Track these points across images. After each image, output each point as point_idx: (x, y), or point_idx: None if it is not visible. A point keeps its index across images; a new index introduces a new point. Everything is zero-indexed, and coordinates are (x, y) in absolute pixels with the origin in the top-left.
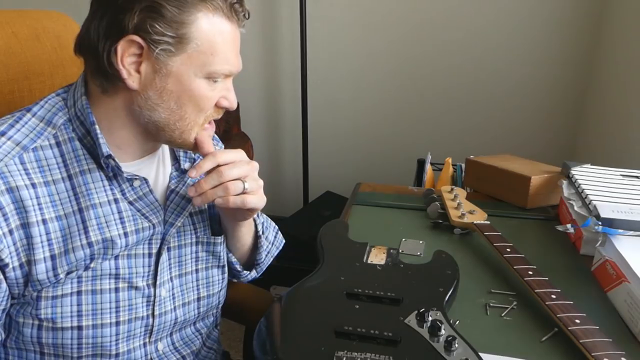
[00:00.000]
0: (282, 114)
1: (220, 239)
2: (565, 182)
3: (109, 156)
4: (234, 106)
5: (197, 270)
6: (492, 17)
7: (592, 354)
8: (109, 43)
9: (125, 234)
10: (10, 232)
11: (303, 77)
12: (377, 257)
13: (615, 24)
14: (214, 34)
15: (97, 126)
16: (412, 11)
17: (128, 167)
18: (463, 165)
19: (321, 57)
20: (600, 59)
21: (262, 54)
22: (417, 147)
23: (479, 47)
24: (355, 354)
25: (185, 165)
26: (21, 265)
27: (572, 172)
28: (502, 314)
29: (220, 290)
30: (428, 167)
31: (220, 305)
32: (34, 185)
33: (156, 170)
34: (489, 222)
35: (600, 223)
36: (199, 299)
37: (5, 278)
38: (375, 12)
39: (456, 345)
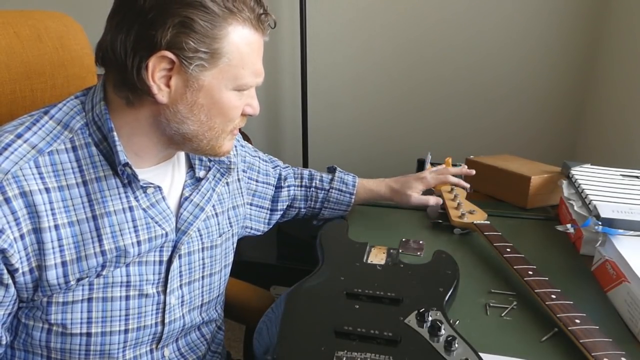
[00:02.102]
0: (282, 114)
1: (220, 240)
2: (565, 182)
3: (126, 164)
4: (257, 112)
5: (203, 277)
6: (492, 17)
7: (592, 354)
8: (138, 58)
9: (139, 243)
10: (22, 236)
11: (303, 77)
12: (377, 257)
13: (615, 24)
14: (244, 46)
15: (115, 133)
16: (412, 11)
17: (144, 173)
18: None
19: (321, 57)
20: (600, 58)
21: (262, 54)
22: (417, 147)
23: (479, 47)
24: (355, 354)
25: (200, 173)
26: (31, 271)
27: (572, 172)
28: (502, 314)
29: (219, 295)
30: (428, 167)
31: (221, 309)
32: (47, 190)
33: (171, 176)
34: (489, 222)
35: (600, 223)
36: (202, 305)
37: (15, 282)
38: (376, 12)
39: (456, 345)
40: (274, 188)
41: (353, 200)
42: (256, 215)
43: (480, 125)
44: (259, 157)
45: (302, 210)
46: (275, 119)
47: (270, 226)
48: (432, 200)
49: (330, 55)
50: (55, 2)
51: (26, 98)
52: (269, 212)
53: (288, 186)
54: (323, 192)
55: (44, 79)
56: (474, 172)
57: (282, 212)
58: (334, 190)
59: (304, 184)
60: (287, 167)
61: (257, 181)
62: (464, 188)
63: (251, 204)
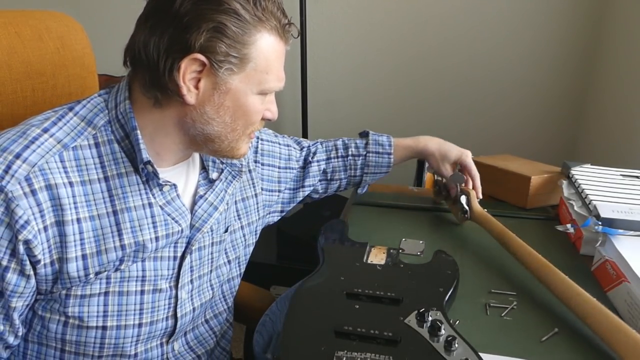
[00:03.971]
0: (282, 113)
1: (226, 234)
2: (565, 182)
3: (148, 162)
4: (276, 117)
5: (210, 271)
6: (492, 16)
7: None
8: (170, 60)
9: (157, 238)
10: (45, 228)
11: (303, 76)
12: (377, 257)
13: (617, 21)
14: (270, 53)
15: (138, 131)
16: (411, 10)
17: (162, 172)
18: None
19: (321, 57)
20: (601, 57)
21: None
22: None
23: (479, 46)
24: (355, 354)
25: (213, 175)
26: (52, 263)
27: (572, 172)
28: (502, 314)
29: (227, 287)
30: (428, 167)
31: (231, 301)
32: (71, 184)
33: (186, 176)
34: None
35: (600, 223)
36: (211, 298)
37: (35, 274)
38: (375, 11)
39: (456, 345)
40: (300, 169)
41: (392, 160)
42: (288, 198)
43: (480, 125)
44: (279, 143)
45: (344, 181)
46: (275, 120)
47: (298, 202)
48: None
49: (330, 55)
50: (56, 2)
51: (27, 98)
52: (299, 190)
53: (318, 161)
54: (361, 158)
55: (45, 78)
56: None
57: (311, 187)
58: (371, 154)
59: (339, 154)
60: (316, 142)
61: (279, 167)
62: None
63: (279, 191)
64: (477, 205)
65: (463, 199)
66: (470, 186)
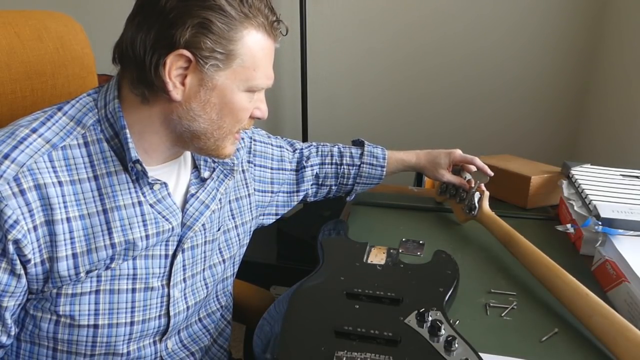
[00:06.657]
0: (282, 111)
1: (219, 234)
2: (565, 182)
3: (137, 161)
4: (266, 116)
5: (204, 270)
6: (492, 14)
7: None
8: (156, 56)
9: (147, 236)
10: (35, 228)
11: (303, 75)
12: (377, 257)
13: (618, 18)
14: (257, 50)
15: (127, 130)
16: (411, 8)
17: (152, 170)
18: None
19: (321, 56)
20: (601, 55)
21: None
22: (417, 146)
23: (479, 44)
24: (355, 354)
25: (205, 174)
26: (42, 262)
27: (572, 172)
28: (502, 314)
29: (220, 286)
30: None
31: (226, 300)
32: (60, 184)
33: (177, 175)
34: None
35: (600, 223)
36: (205, 297)
37: (26, 274)
38: (375, 9)
39: (456, 345)
40: (293, 172)
41: (385, 172)
42: (283, 201)
43: (480, 125)
44: (272, 144)
45: (334, 187)
46: (275, 118)
47: (293, 206)
48: (461, 181)
49: (329, 54)
50: (56, 2)
51: (26, 98)
52: (294, 194)
53: (311, 165)
54: (354, 168)
55: (44, 79)
56: (492, 173)
57: (305, 192)
58: (365, 165)
59: (334, 161)
60: (310, 145)
61: (271, 169)
62: (487, 174)
63: (272, 192)
64: (486, 206)
65: (477, 195)
66: (475, 181)
